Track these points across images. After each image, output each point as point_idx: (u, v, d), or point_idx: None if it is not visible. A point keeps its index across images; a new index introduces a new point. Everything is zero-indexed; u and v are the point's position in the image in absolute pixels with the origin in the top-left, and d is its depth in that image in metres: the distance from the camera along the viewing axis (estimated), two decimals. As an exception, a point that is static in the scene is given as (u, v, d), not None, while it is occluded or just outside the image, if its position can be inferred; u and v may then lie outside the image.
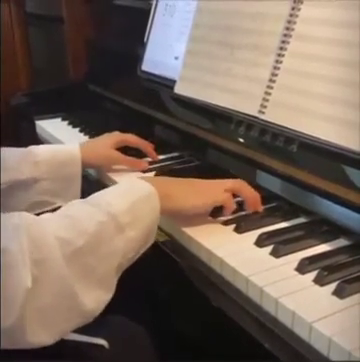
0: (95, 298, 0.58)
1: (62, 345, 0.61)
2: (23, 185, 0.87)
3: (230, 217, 0.77)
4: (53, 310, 0.55)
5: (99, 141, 1.02)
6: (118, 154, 0.99)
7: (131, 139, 1.03)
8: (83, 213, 0.60)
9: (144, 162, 1.01)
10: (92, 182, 1.01)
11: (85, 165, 0.94)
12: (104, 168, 1.00)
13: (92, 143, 1.03)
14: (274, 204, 0.82)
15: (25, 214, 0.58)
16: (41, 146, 0.94)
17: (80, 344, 0.67)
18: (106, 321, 0.76)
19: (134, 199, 0.64)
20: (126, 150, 1.02)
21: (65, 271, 0.55)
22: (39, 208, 0.87)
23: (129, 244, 0.62)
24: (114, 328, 0.75)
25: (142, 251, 0.66)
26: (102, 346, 0.69)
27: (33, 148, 0.92)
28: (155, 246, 0.77)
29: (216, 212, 0.78)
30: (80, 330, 0.65)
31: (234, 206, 0.77)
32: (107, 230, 0.60)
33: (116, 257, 0.60)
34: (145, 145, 1.04)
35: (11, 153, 0.89)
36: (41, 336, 0.54)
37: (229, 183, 0.78)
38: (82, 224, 0.58)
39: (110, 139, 1.01)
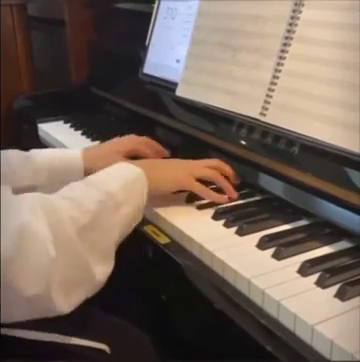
0: (101, 270, 0.63)
1: (63, 349, 0.62)
2: (22, 192, 0.86)
3: (232, 218, 0.77)
4: (71, 280, 0.59)
5: (106, 148, 0.98)
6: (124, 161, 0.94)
7: (143, 149, 0.99)
8: (84, 194, 0.66)
9: None
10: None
11: (88, 173, 0.89)
12: None
13: (98, 150, 0.98)
14: (276, 206, 0.82)
15: (38, 194, 0.62)
16: (42, 151, 0.92)
17: (81, 348, 0.67)
18: (108, 325, 0.76)
19: (126, 179, 0.72)
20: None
21: (78, 245, 0.60)
22: None
23: (125, 219, 0.69)
24: (115, 332, 0.75)
25: (133, 226, 0.72)
26: (103, 351, 0.68)
27: (34, 154, 0.90)
28: (156, 249, 0.78)
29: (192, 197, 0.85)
30: (81, 334, 0.65)
31: (205, 192, 0.83)
32: (106, 208, 0.66)
33: (115, 231, 0.66)
34: (151, 145, 1.01)
35: (11, 158, 0.88)
36: (61, 305, 0.58)
37: (203, 172, 0.85)
38: (85, 204, 0.63)
39: (120, 147, 0.97)
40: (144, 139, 1.02)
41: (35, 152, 0.92)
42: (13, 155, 0.89)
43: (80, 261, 0.60)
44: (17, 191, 0.85)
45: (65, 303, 0.58)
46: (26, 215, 0.56)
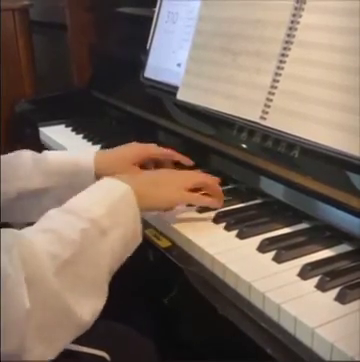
0: (89, 307, 0.58)
1: (60, 355, 0.61)
2: (34, 194, 0.84)
3: (232, 222, 0.78)
4: (50, 326, 0.54)
5: (117, 155, 0.93)
6: (137, 170, 0.91)
7: (153, 151, 0.94)
8: (64, 224, 0.60)
9: None
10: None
11: (100, 177, 0.84)
12: None
13: (110, 155, 0.93)
14: (276, 210, 0.82)
15: (16, 232, 0.57)
16: (54, 153, 0.90)
17: (80, 355, 0.66)
18: (107, 331, 0.75)
19: (111, 200, 0.65)
20: None
21: (56, 286, 0.54)
22: None
23: (114, 245, 0.62)
24: (116, 338, 0.74)
25: (131, 249, 0.66)
26: (103, 358, 0.67)
27: (46, 155, 0.88)
28: (157, 252, 0.78)
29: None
30: (81, 341, 0.64)
31: (199, 198, 0.80)
32: (91, 236, 0.60)
33: (104, 261, 0.61)
34: (170, 155, 0.95)
35: (22, 160, 0.86)
36: (41, 352, 0.54)
37: (195, 180, 0.80)
38: (66, 235, 0.58)
39: (130, 153, 0.92)
40: (159, 149, 0.95)
41: (48, 154, 0.89)
42: (27, 156, 0.87)
43: (58, 303, 0.55)
44: (28, 193, 0.84)
45: (45, 350, 0.54)
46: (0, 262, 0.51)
